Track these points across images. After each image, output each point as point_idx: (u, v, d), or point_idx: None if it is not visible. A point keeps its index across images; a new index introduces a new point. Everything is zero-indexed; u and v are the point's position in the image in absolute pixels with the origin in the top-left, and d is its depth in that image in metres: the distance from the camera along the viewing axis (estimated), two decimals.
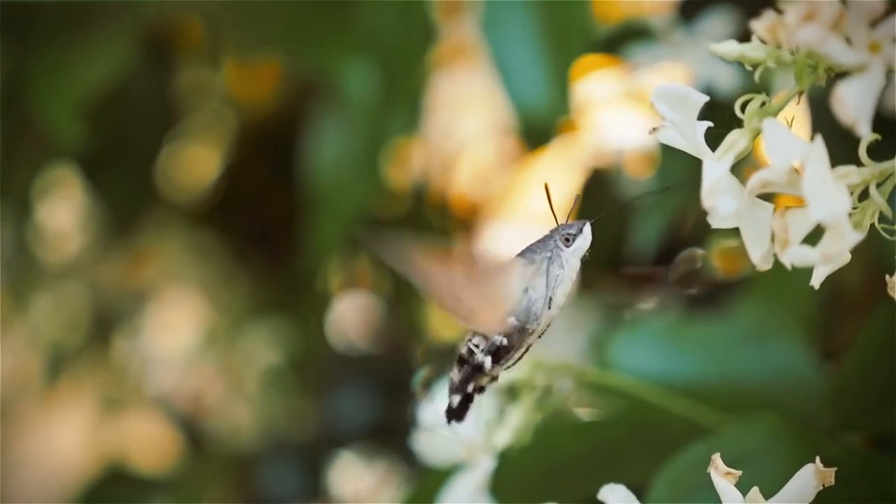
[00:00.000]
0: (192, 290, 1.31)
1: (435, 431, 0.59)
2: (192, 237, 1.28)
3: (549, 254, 0.50)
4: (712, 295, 0.92)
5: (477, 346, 0.51)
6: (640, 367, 0.65)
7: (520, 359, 0.53)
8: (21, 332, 1.35)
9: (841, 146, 0.42)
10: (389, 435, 1.12)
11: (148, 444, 1.30)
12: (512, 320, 0.51)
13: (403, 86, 0.94)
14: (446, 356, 0.58)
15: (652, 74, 0.83)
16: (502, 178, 1.18)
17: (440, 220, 1.18)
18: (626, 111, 0.93)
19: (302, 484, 1.20)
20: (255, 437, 1.24)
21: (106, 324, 1.31)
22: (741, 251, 0.94)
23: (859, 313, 0.76)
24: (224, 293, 1.29)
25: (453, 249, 0.51)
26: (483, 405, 0.56)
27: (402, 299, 1.19)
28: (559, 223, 0.51)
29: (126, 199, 1.16)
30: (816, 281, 0.42)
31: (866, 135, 0.39)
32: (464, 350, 0.52)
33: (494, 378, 0.53)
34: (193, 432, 1.27)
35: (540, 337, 0.52)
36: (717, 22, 0.79)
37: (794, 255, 0.40)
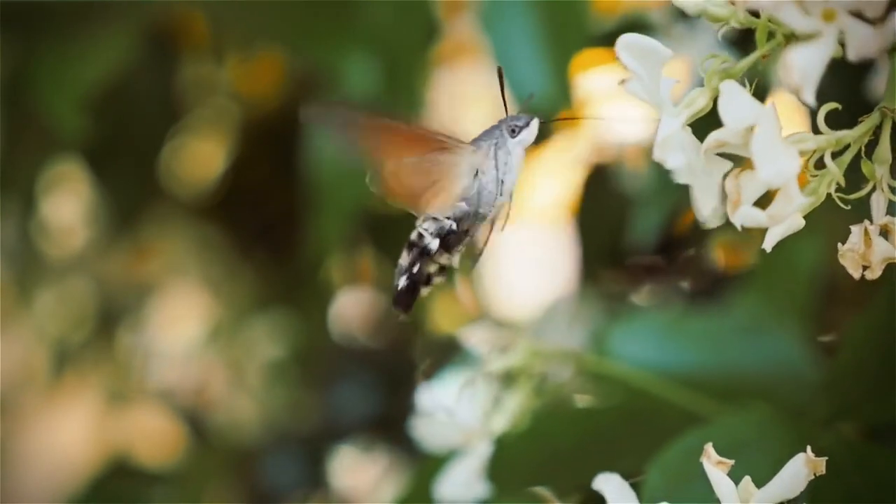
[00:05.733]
0: (195, 285, 1.31)
1: (432, 417, 0.59)
2: (196, 232, 1.28)
3: (495, 141, 0.51)
4: (712, 287, 0.93)
5: (427, 230, 0.52)
6: (637, 356, 0.65)
7: (479, 254, 0.53)
8: (25, 327, 1.36)
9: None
10: (391, 428, 1.13)
11: (152, 437, 1.31)
12: (463, 205, 0.51)
13: (405, 82, 0.94)
14: (447, 349, 0.58)
15: None
16: None
17: None
18: (627, 105, 0.93)
19: (304, 476, 1.20)
20: (257, 430, 1.24)
21: (110, 318, 1.31)
22: (741, 244, 0.94)
23: (856, 305, 0.77)
24: (227, 287, 1.29)
25: (403, 126, 0.51)
26: (480, 391, 0.57)
27: None
28: (508, 114, 0.51)
29: (130, 193, 1.16)
30: (768, 244, 0.42)
31: (810, 101, 0.39)
32: (414, 235, 0.52)
33: (443, 269, 0.53)
34: (197, 425, 1.27)
35: (492, 224, 0.52)
36: None
37: (743, 215, 0.41)
